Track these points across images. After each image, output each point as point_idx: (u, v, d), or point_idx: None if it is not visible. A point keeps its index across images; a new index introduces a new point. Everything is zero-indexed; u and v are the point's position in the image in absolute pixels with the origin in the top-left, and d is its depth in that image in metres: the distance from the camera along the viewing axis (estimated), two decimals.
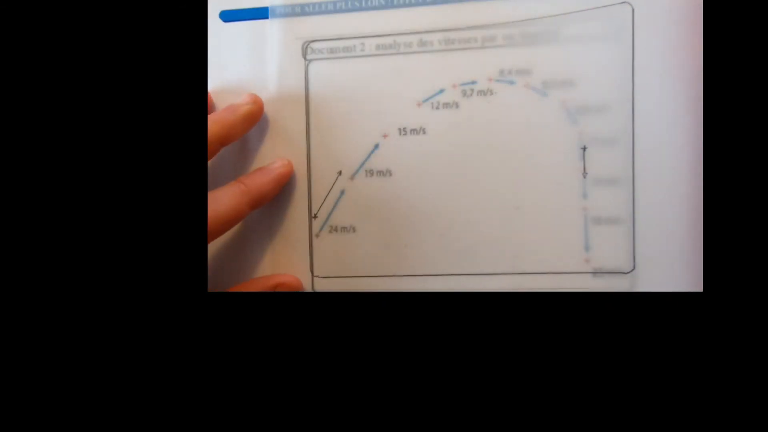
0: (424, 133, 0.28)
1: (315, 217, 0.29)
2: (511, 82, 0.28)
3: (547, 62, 0.27)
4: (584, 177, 0.27)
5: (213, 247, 0.30)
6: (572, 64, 0.27)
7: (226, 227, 0.27)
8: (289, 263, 0.30)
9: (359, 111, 0.29)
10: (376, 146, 0.29)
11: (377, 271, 0.29)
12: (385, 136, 0.29)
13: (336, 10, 0.29)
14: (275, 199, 0.29)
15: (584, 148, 0.27)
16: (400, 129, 0.29)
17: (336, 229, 0.29)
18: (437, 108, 0.28)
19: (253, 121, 0.29)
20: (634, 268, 0.27)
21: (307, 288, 0.29)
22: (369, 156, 0.29)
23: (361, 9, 0.29)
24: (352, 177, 0.29)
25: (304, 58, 0.29)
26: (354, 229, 0.29)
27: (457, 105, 0.28)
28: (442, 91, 0.28)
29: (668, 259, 0.27)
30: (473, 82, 0.28)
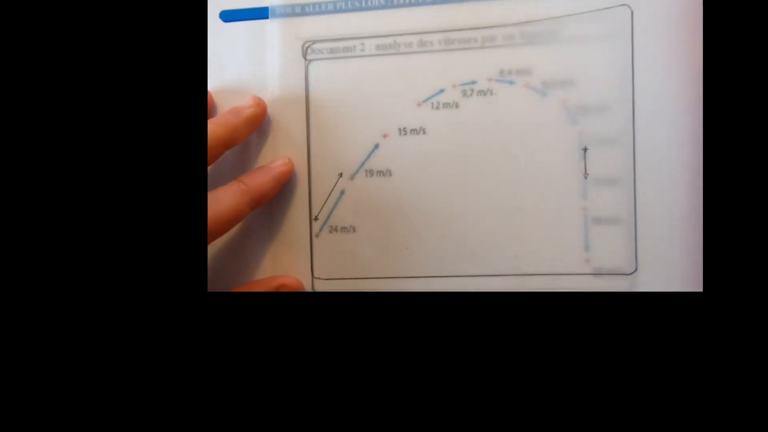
0: (424, 133, 0.28)
1: (316, 219, 0.29)
2: (511, 82, 0.28)
3: (547, 62, 0.27)
4: (585, 178, 0.27)
5: (213, 248, 0.30)
6: (572, 64, 0.27)
7: (227, 227, 0.27)
8: (289, 264, 0.30)
9: (359, 111, 0.29)
10: (376, 146, 0.29)
11: (378, 273, 0.29)
12: (385, 136, 0.29)
13: (336, 10, 0.29)
14: (275, 200, 0.29)
15: (585, 149, 0.27)
16: (400, 129, 0.29)
17: (336, 229, 0.29)
18: (437, 108, 0.28)
19: (257, 123, 0.29)
20: (636, 270, 0.27)
21: (308, 290, 0.29)
22: (369, 156, 0.29)
23: (361, 9, 0.29)
24: (352, 177, 0.29)
25: (304, 58, 0.29)
26: (354, 229, 0.29)
27: (457, 105, 0.28)
28: (442, 91, 0.28)
29: (669, 259, 0.27)
30: (473, 82, 0.28)
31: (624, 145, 0.27)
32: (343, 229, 0.29)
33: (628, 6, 0.27)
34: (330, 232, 0.29)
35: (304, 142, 0.29)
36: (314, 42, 0.29)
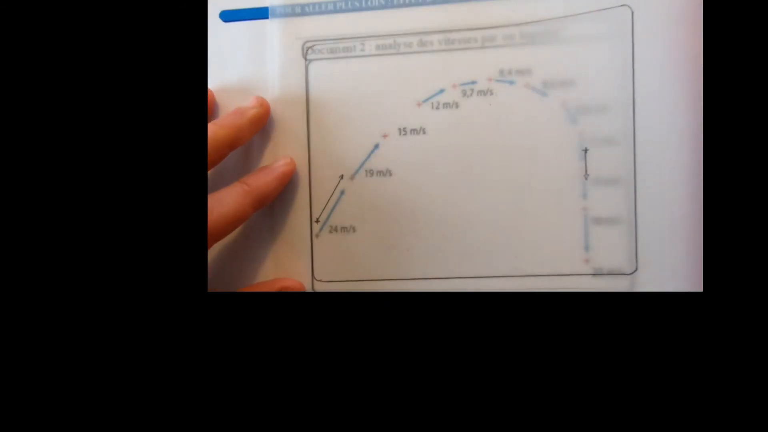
0: (424, 133, 0.28)
1: (317, 221, 0.29)
2: (511, 82, 0.28)
3: (547, 62, 0.27)
4: (585, 179, 0.27)
5: (214, 249, 0.30)
6: (572, 64, 0.27)
7: (230, 228, 0.27)
8: (290, 266, 0.30)
9: (359, 111, 0.29)
10: (376, 146, 0.29)
11: (378, 275, 0.29)
12: (385, 136, 0.29)
13: (336, 10, 0.29)
14: (276, 201, 0.29)
15: (585, 150, 0.27)
16: (400, 129, 0.29)
17: (336, 229, 0.29)
18: (437, 108, 0.28)
19: (261, 124, 0.29)
20: (636, 270, 0.27)
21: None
22: (369, 156, 0.29)
23: (361, 9, 0.29)
24: (352, 177, 0.29)
25: (304, 58, 0.29)
26: (354, 229, 0.29)
27: (457, 105, 0.28)
28: (442, 91, 0.28)
29: (669, 259, 0.27)
30: (473, 82, 0.28)
31: (624, 145, 0.27)
32: (343, 229, 0.29)
33: (629, 6, 0.27)
34: (330, 232, 0.29)
35: (304, 143, 0.29)
36: (314, 42, 0.29)
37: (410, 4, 0.28)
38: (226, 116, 0.28)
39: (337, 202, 0.29)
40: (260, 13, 0.30)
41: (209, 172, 0.28)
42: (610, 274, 0.27)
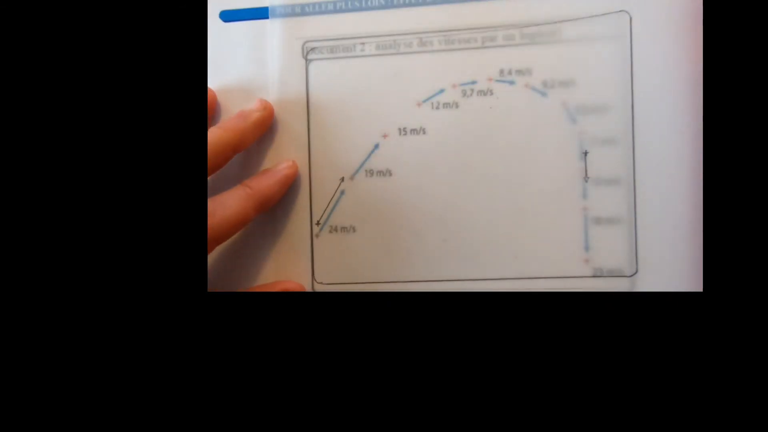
0: (424, 133, 0.28)
1: (318, 223, 0.29)
2: (511, 82, 0.28)
3: (547, 62, 0.27)
4: (586, 182, 0.27)
5: (215, 251, 0.30)
6: (572, 64, 0.27)
7: (233, 231, 0.27)
8: (290, 269, 0.29)
9: (359, 111, 0.29)
10: (376, 146, 0.29)
11: (379, 277, 0.29)
12: (385, 136, 0.29)
13: (336, 10, 0.29)
14: (277, 203, 0.29)
15: (586, 153, 0.27)
16: (400, 129, 0.29)
17: (336, 229, 0.29)
18: (437, 108, 0.28)
19: (264, 127, 0.29)
20: (636, 272, 0.27)
21: None
22: (369, 156, 0.29)
23: (361, 9, 0.29)
24: (352, 177, 0.29)
25: (304, 58, 0.29)
26: (354, 229, 0.29)
27: (457, 105, 0.28)
28: (442, 91, 0.28)
29: (669, 259, 0.27)
30: (473, 82, 0.28)
31: (624, 145, 0.27)
32: (343, 229, 0.29)
33: (627, 12, 0.27)
34: (330, 232, 0.29)
35: (305, 143, 0.29)
36: (314, 42, 0.29)
37: (410, 4, 0.28)
38: (230, 119, 0.28)
39: (337, 202, 0.29)
40: (260, 13, 0.30)
41: (212, 176, 0.28)
42: (611, 276, 0.27)
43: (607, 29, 0.27)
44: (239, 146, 0.28)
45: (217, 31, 0.30)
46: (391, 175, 0.29)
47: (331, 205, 0.29)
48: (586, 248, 0.27)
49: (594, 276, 0.27)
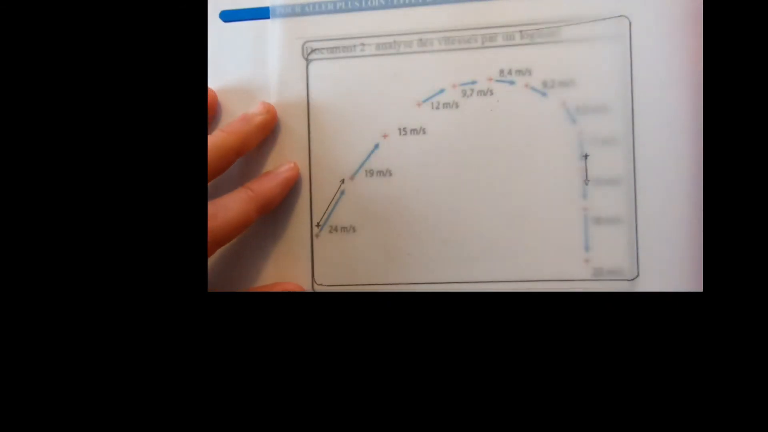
0: (424, 133, 0.28)
1: (318, 225, 0.29)
2: (511, 82, 0.28)
3: (547, 62, 0.27)
4: (586, 184, 0.27)
5: (215, 253, 0.30)
6: (572, 64, 0.27)
7: (235, 234, 0.27)
8: (290, 270, 0.29)
9: (359, 111, 0.29)
10: (376, 146, 0.29)
11: (379, 279, 0.29)
12: (385, 136, 0.29)
13: (336, 10, 0.29)
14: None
15: (586, 156, 0.27)
16: (400, 129, 0.29)
17: (336, 229, 0.29)
18: (437, 108, 0.28)
19: (268, 130, 0.29)
20: (638, 274, 0.27)
21: None
22: (369, 156, 0.29)
23: (361, 9, 0.29)
24: (352, 177, 0.29)
25: (304, 58, 0.29)
26: (354, 229, 0.29)
27: (457, 105, 0.28)
28: (442, 91, 0.28)
29: (669, 259, 0.27)
30: (473, 82, 0.28)
31: (624, 145, 0.27)
32: (343, 229, 0.29)
33: (626, 17, 0.27)
34: (330, 232, 0.29)
35: (305, 144, 0.29)
36: (314, 42, 0.29)
37: (410, 4, 0.28)
38: (233, 123, 0.28)
39: (337, 203, 0.29)
40: (260, 13, 0.30)
41: (216, 179, 0.29)
42: (611, 279, 0.27)
43: (607, 30, 0.27)
44: (242, 149, 0.28)
45: (217, 31, 0.30)
46: (391, 175, 0.29)
47: (331, 206, 0.29)
48: (586, 248, 0.27)
49: (594, 276, 0.27)
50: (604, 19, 0.27)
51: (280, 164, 0.29)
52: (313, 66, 0.29)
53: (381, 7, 0.29)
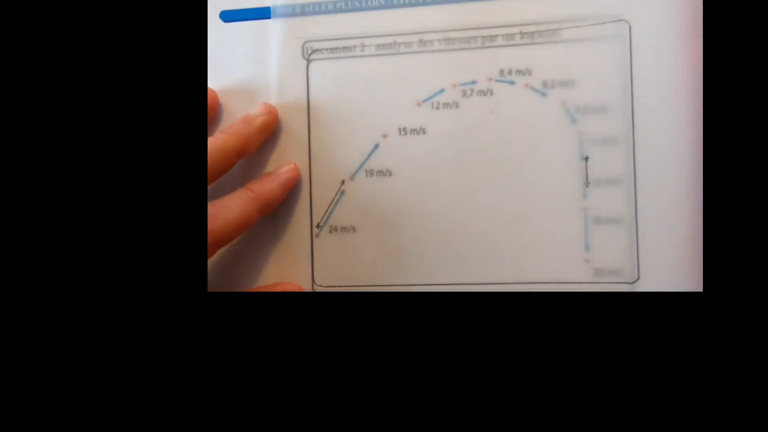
0: (424, 133, 0.28)
1: (318, 226, 0.29)
2: (511, 82, 0.28)
3: (547, 62, 0.27)
4: (587, 186, 0.27)
5: (216, 253, 0.30)
6: (572, 64, 0.27)
7: (235, 235, 0.27)
8: (290, 271, 0.29)
9: (359, 111, 0.29)
10: (376, 146, 0.29)
11: (379, 281, 0.29)
12: (385, 136, 0.29)
13: (336, 10, 0.29)
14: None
15: (587, 158, 0.27)
16: (400, 129, 0.29)
17: (336, 229, 0.29)
18: (437, 108, 0.28)
19: (269, 131, 0.29)
20: (638, 279, 0.27)
21: None
22: (369, 156, 0.29)
23: (361, 9, 0.29)
24: (352, 177, 0.29)
25: (305, 59, 0.29)
26: (354, 229, 0.29)
27: (457, 105, 0.28)
28: (442, 91, 0.28)
29: (669, 259, 0.27)
30: (473, 82, 0.28)
31: (624, 145, 0.27)
32: (343, 229, 0.29)
33: (626, 21, 0.27)
34: (330, 232, 0.29)
35: (305, 144, 0.29)
36: (314, 42, 0.29)
37: (410, 4, 0.28)
38: (235, 124, 0.28)
39: (337, 203, 0.29)
40: (260, 14, 0.30)
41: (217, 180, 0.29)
42: (612, 282, 0.27)
43: (607, 30, 0.27)
44: (244, 151, 0.28)
45: (217, 31, 0.30)
46: (391, 175, 0.29)
47: (331, 207, 0.29)
48: (587, 248, 0.27)
49: (595, 276, 0.27)
50: (604, 23, 0.27)
51: (281, 165, 0.29)
52: (313, 66, 0.29)
53: (381, 7, 0.29)
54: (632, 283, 0.27)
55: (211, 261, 0.30)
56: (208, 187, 0.27)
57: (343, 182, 0.29)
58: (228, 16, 0.30)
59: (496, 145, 0.28)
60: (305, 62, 0.29)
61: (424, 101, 0.28)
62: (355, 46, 0.29)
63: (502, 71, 0.28)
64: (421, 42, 0.28)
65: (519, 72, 0.28)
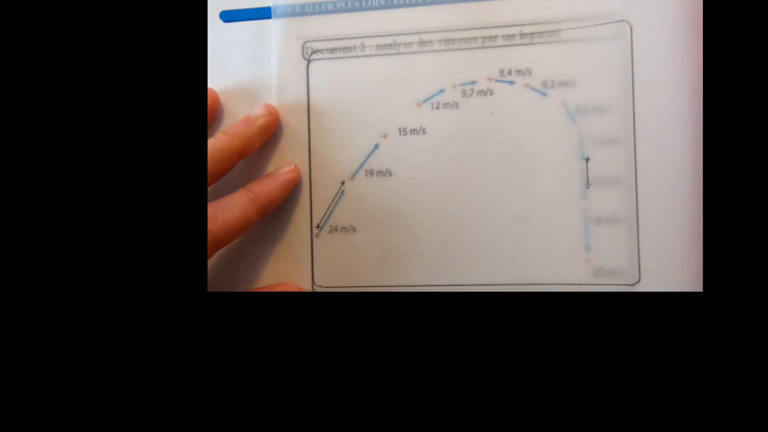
0: (424, 133, 0.28)
1: (318, 226, 0.29)
2: (511, 83, 0.28)
3: (547, 62, 0.27)
4: (587, 187, 0.27)
5: (216, 253, 0.30)
6: (572, 64, 0.27)
7: (235, 235, 0.27)
8: (290, 272, 0.29)
9: (359, 111, 0.29)
10: (376, 146, 0.29)
11: (378, 281, 0.29)
12: (385, 136, 0.29)
13: (336, 10, 0.29)
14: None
15: (587, 159, 0.27)
16: (400, 129, 0.29)
17: (336, 229, 0.29)
18: (437, 108, 0.28)
19: (271, 132, 0.29)
20: (638, 279, 0.27)
21: None
22: (369, 156, 0.29)
23: (361, 9, 0.29)
24: (352, 177, 0.29)
25: (305, 59, 0.29)
26: (354, 229, 0.29)
27: (457, 105, 0.28)
28: (442, 91, 0.28)
29: (669, 259, 0.27)
30: (473, 82, 0.28)
31: (625, 145, 0.27)
32: (344, 229, 0.29)
33: (627, 22, 0.27)
34: (330, 232, 0.29)
35: (305, 144, 0.29)
36: (314, 42, 0.29)
37: (410, 4, 0.28)
38: (236, 125, 0.28)
39: (337, 203, 0.29)
40: (260, 14, 0.30)
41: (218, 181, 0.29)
42: (612, 284, 0.27)
43: (608, 30, 0.27)
44: (245, 152, 0.28)
45: (217, 31, 0.30)
46: (391, 175, 0.29)
47: (331, 207, 0.29)
48: (587, 248, 0.27)
49: (595, 276, 0.27)
50: (605, 23, 0.27)
51: (281, 165, 0.29)
52: (313, 66, 0.29)
53: (381, 7, 0.29)
54: (632, 284, 0.27)
55: (211, 261, 0.30)
56: (210, 187, 0.27)
57: (343, 182, 0.29)
58: (228, 16, 0.30)
59: (496, 145, 0.28)
60: (305, 62, 0.29)
61: (424, 101, 0.28)
62: (355, 46, 0.29)
63: (502, 71, 0.28)
64: (421, 42, 0.28)
65: (519, 72, 0.28)
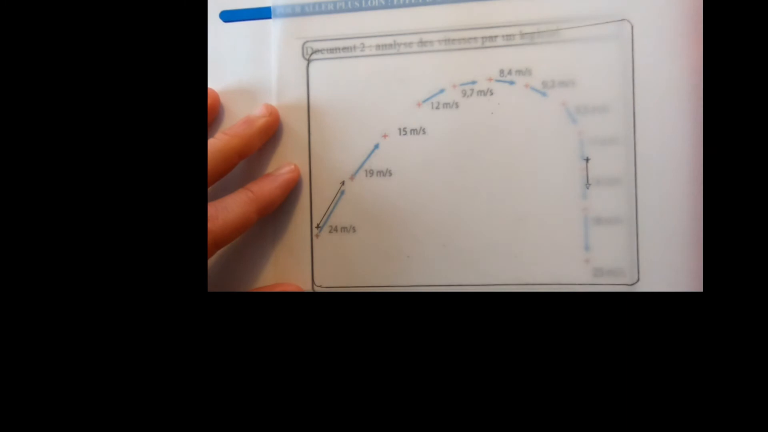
0: (424, 133, 0.28)
1: (318, 226, 0.29)
2: (511, 83, 0.28)
3: (547, 62, 0.27)
4: (587, 188, 0.27)
5: (216, 253, 0.30)
6: (572, 64, 0.27)
7: (235, 235, 0.27)
8: (290, 272, 0.29)
9: (359, 111, 0.29)
10: (376, 146, 0.29)
11: (378, 282, 0.29)
12: (385, 136, 0.29)
13: (336, 10, 0.29)
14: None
15: (587, 159, 0.27)
16: (400, 129, 0.29)
17: (336, 229, 0.29)
18: (437, 108, 0.28)
19: (271, 133, 0.29)
20: (638, 279, 0.27)
21: None
22: (369, 156, 0.29)
23: (361, 9, 0.29)
24: (352, 177, 0.29)
25: (305, 59, 0.29)
26: (354, 229, 0.29)
27: (457, 105, 0.28)
28: (442, 91, 0.28)
29: (669, 259, 0.27)
30: (473, 82, 0.28)
31: (625, 145, 0.27)
32: (344, 229, 0.29)
33: (628, 21, 0.27)
34: (330, 232, 0.29)
35: (305, 144, 0.29)
36: (314, 42, 0.29)
37: (410, 4, 0.28)
38: (236, 125, 0.28)
39: (337, 203, 0.29)
40: (260, 14, 0.30)
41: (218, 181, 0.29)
42: (612, 284, 0.27)
43: (608, 30, 0.27)
44: (245, 152, 0.28)
45: (217, 31, 0.30)
46: (391, 175, 0.29)
47: (331, 207, 0.29)
48: (587, 248, 0.27)
49: (595, 276, 0.27)
50: (606, 22, 0.27)
51: (281, 165, 0.29)
52: (313, 66, 0.29)
53: (381, 7, 0.29)
54: (632, 284, 0.27)
55: (211, 261, 0.30)
56: (210, 188, 0.27)
57: (343, 182, 0.29)
58: (228, 16, 0.30)
59: (496, 145, 0.28)
60: (305, 62, 0.29)
61: (424, 101, 0.28)
62: (355, 46, 0.29)
63: (502, 71, 0.28)
64: (421, 42, 0.28)
65: (519, 72, 0.28)
